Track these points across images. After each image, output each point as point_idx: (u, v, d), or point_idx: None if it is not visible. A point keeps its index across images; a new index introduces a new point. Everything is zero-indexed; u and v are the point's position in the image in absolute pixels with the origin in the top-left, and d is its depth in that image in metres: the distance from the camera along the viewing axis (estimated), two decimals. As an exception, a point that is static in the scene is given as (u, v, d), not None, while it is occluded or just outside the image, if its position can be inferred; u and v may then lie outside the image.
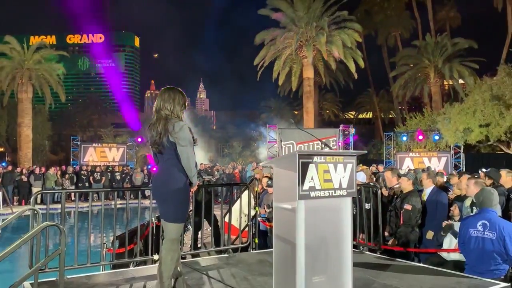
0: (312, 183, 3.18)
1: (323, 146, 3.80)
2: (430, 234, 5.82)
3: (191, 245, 5.64)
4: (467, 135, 17.59)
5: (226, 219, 6.23)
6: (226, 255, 5.40)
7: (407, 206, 5.77)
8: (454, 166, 19.65)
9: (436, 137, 20.44)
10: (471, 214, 5.13)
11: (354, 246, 4.34)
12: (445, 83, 31.01)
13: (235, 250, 5.61)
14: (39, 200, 16.50)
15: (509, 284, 3.91)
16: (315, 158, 3.23)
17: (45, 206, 4.72)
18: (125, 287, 3.97)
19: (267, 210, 7.32)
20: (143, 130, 30.89)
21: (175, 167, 3.49)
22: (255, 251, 5.74)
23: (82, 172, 20.98)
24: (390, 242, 5.82)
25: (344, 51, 24.70)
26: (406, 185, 6.04)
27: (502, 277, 4.01)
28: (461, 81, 28.23)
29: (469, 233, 4.20)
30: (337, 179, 3.33)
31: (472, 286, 3.86)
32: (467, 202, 5.42)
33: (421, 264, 5.02)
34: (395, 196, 6.38)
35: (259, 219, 7.30)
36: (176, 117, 3.53)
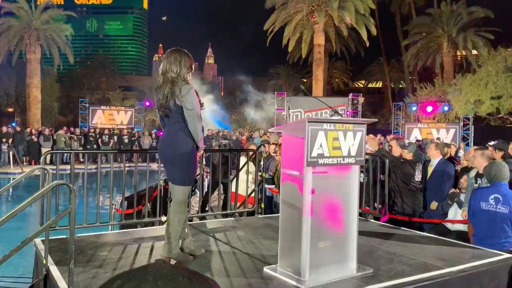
0: (321, 150, 3.17)
1: (333, 113, 3.77)
2: (434, 205, 5.84)
3: (198, 208, 5.72)
4: (477, 107, 17.41)
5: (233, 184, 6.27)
6: (232, 218, 5.48)
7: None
8: (463, 138, 19.52)
9: (446, 108, 20.24)
10: (475, 185, 5.13)
11: (360, 214, 4.38)
12: (458, 53, 30.36)
13: (241, 215, 5.69)
14: (48, 161, 16.73)
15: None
16: (325, 125, 3.20)
17: (54, 166, 4.78)
18: (134, 247, 4.06)
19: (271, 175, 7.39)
20: (151, 94, 30.80)
21: (181, 131, 3.48)
22: (261, 216, 5.81)
23: (90, 134, 21.14)
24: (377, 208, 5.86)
25: (356, 18, 24.17)
26: (408, 157, 6.04)
27: (511, 249, 4.03)
28: (474, 51, 27.62)
29: (480, 206, 4.16)
30: (346, 147, 3.31)
31: (476, 256, 3.89)
32: (472, 173, 5.41)
33: (425, 233, 5.07)
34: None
35: (266, 186, 7.37)
36: (182, 79, 3.48)
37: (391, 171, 5.79)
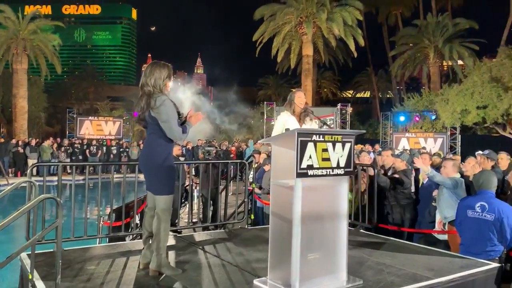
0: (310, 162, 3.18)
1: (321, 125, 3.79)
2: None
3: (192, 219, 5.68)
4: (464, 117, 17.61)
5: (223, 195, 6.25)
6: (222, 230, 5.44)
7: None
8: (450, 148, 19.73)
9: (433, 117, 20.50)
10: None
11: (349, 225, 4.38)
12: (444, 64, 30.86)
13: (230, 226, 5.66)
14: (34, 172, 16.45)
15: (500, 265, 3.97)
16: (314, 137, 3.22)
17: (41, 178, 4.71)
18: (122, 260, 4.01)
19: (262, 191, 7.36)
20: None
21: (156, 141, 3.54)
22: (251, 227, 5.79)
23: (76, 145, 20.85)
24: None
25: (344, 29, 24.42)
26: (401, 166, 6.11)
27: (497, 258, 4.08)
28: (460, 62, 28.07)
29: (466, 214, 4.23)
30: (335, 158, 3.33)
31: (464, 265, 3.92)
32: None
33: (414, 244, 5.08)
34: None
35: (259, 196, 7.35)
36: (159, 91, 3.53)
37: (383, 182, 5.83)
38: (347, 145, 3.41)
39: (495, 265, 3.94)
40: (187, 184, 7.85)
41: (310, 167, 3.18)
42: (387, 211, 6.02)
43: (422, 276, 3.61)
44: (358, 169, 5.65)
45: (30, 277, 3.24)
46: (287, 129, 4.18)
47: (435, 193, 5.52)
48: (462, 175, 5.60)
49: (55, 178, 5.02)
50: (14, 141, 20.08)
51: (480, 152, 6.66)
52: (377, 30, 40.00)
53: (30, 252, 3.35)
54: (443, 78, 30.77)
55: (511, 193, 5.29)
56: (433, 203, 5.67)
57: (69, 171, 14.08)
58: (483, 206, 4.12)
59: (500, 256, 4.10)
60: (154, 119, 3.49)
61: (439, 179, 5.10)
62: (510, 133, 17.95)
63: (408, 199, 5.96)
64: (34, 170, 5.02)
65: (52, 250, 4.13)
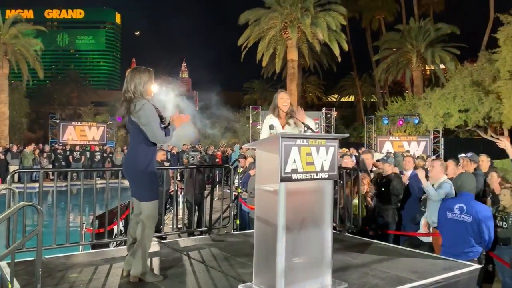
0: (295, 166, 3.18)
1: (305, 129, 3.81)
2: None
3: (176, 224, 5.62)
4: (446, 120, 17.84)
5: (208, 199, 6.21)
6: (207, 235, 5.41)
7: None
8: (433, 151, 20.01)
9: (416, 121, 20.80)
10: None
11: (334, 228, 4.40)
12: (427, 68, 31.29)
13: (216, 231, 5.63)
14: (16, 179, 16.17)
15: (481, 266, 4.03)
16: (298, 141, 3.22)
17: (22, 185, 4.62)
18: (105, 267, 3.95)
19: (248, 195, 7.33)
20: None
21: (137, 147, 3.52)
22: (236, 232, 5.76)
23: (58, 151, 20.52)
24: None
25: (328, 34, 24.59)
26: (389, 170, 6.15)
27: (476, 259, 4.14)
28: (442, 66, 28.51)
29: (446, 215, 4.29)
30: (319, 162, 3.34)
31: (447, 267, 3.96)
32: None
33: (398, 246, 5.13)
34: (377, 180, 6.46)
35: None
36: (139, 96, 3.52)
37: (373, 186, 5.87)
38: (331, 149, 3.42)
39: (477, 266, 3.99)
40: (171, 189, 7.80)
41: (295, 171, 3.18)
42: (374, 215, 6.06)
43: (406, 279, 3.63)
44: (343, 172, 5.67)
45: (9, 286, 3.17)
46: (270, 126, 4.21)
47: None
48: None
49: (37, 184, 4.93)
50: (-6, 147, 19.72)
51: (463, 154, 6.76)
52: (360, 35, 40.41)
53: (10, 261, 3.29)
54: (426, 82, 31.19)
55: (493, 195, 5.38)
56: (421, 208, 5.71)
57: (51, 177, 13.87)
58: (461, 207, 4.19)
59: (479, 257, 4.17)
60: (134, 124, 3.46)
61: (434, 197, 4.97)
62: (491, 136, 18.26)
63: (397, 202, 6.01)
64: (16, 176, 4.94)
65: (33, 258, 4.06)
